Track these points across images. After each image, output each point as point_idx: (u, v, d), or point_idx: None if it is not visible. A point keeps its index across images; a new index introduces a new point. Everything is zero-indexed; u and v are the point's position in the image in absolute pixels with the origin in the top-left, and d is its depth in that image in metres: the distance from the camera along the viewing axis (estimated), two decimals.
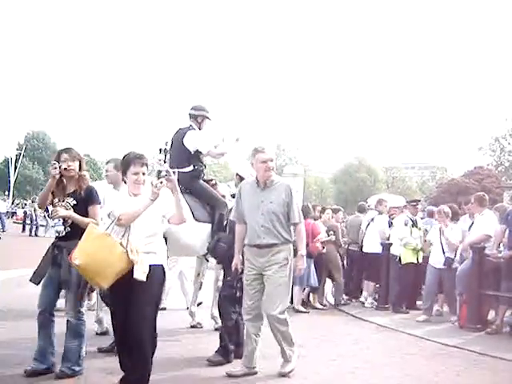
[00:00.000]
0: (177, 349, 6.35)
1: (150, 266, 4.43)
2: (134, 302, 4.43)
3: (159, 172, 4.65)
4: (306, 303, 9.80)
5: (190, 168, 7.19)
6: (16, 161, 65.30)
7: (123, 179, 4.75)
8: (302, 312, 9.27)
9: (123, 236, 4.46)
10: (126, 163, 4.64)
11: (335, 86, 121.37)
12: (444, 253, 8.75)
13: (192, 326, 7.48)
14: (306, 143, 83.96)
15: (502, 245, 8.31)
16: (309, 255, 9.27)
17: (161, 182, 4.43)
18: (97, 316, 6.77)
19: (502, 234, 8.14)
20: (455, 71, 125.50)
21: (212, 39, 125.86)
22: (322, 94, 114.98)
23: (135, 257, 4.36)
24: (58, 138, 74.86)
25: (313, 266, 9.53)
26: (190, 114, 7.41)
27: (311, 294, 10.08)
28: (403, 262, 9.55)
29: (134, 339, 4.45)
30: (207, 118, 7.44)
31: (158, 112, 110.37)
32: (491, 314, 8.39)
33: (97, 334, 6.71)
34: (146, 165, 4.67)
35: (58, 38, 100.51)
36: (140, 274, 4.35)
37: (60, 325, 5.10)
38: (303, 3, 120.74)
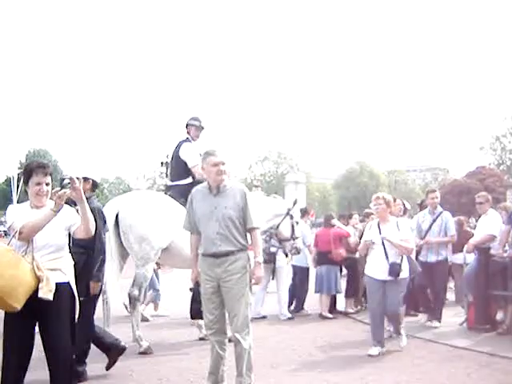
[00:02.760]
0: (185, 362, 6.33)
1: (56, 284, 3.98)
2: (44, 323, 4.06)
3: (62, 180, 4.29)
4: (331, 310, 9.78)
5: (190, 180, 7.22)
6: (18, 179, 65.42)
7: (25, 190, 4.31)
8: (328, 318, 9.34)
9: (26, 252, 4.00)
10: (28, 173, 4.17)
11: (334, 91, 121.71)
12: (387, 258, 6.72)
13: (200, 339, 7.46)
14: (307, 150, 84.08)
15: (507, 244, 8.28)
16: (333, 262, 9.47)
17: (64, 192, 3.96)
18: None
19: (507, 234, 8.11)
20: (453, 71, 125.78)
21: (213, 47, 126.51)
22: (320, 100, 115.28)
23: (41, 274, 3.94)
24: (59, 155, 75.14)
25: (338, 272, 9.63)
26: (186, 125, 7.52)
27: (344, 300, 10.06)
28: None
29: (52, 361, 4.08)
30: (201, 127, 7.52)
31: (158, 127, 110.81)
32: (499, 315, 8.34)
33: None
34: (51, 174, 4.22)
35: (58, 57, 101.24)
36: (46, 292, 3.92)
37: None
38: (305, 9, 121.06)
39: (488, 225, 8.41)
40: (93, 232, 4.26)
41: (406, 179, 79.47)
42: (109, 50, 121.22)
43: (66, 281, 4.13)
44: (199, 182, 7.26)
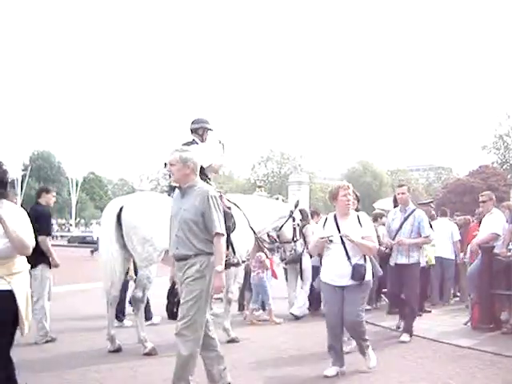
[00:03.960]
0: None
1: None
2: None
3: None
4: None
5: None
6: (22, 181, 65.54)
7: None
8: None
9: None
10: None
11: (337, 91, 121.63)
12: (349, 259, 5.71)
13: None
14: (310, 150, 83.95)
15: (511, 243, 8.27)
16: None
17: None
18: (108, 333, 6.77)
19: (510, 233, 8.11)
20: (456, 70, 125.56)
21: (216, 48, 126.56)
22: (323, 101, 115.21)
23: None
24: (62, 157, 75.15)
25: None
26: (191, 130, 7.50)
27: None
28: (427, 263, 9.59)
29: None
30: (208, 129, 7.51)
31: (161, 128, 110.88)
32: (503, 314, 8.33)
33: (109, 351, 6.72)
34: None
35: (62, 59, 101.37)
36: None
37: None
38: (309, 8, 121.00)
39: (492, 224, 8.40)
40: (29, 250, 4.04)
41: (409, 179, 79.33)
42: (113, 52, 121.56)
43: (7, 289, 3.94)
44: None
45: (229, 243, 7.15)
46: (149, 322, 8.21)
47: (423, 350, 7.04)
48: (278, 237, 8.82)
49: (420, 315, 9.36)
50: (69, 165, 72.49)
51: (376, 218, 10.96)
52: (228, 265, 7.22)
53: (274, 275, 10.00)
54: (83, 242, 37.66)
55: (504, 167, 58.08)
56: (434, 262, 9.90)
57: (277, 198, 9.03)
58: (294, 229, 8.61)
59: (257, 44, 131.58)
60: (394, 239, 7.64)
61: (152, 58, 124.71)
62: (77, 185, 66.38)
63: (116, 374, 5.85)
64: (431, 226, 9.76)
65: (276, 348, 7.09)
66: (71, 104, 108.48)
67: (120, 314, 8.38)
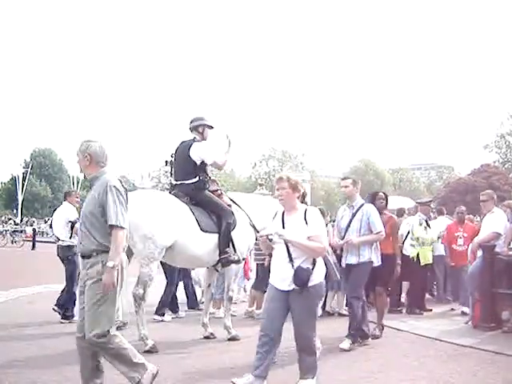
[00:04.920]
0: (190, 361, 6.32)
1: None
2: None
3: None
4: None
5: (196, 179, 7.23)
6: (23, 179, 65.60)
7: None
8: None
9: None
10: None
11: (338, 90, 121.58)
12: (292, 261, 4.99)
13: (205, 337, 7.46)
14: (312, 148, 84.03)
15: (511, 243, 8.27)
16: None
17: None
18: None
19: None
20: (457, 69, 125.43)
21: (217, 46, 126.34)
22: (324, 99, 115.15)
23: None
24: (63, 154, 75.23)
25: None
26: (190, 128, 7.49)
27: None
28: (423, 262, 9.58)
29: None
30: (207, 126, 7.50)
31: (162, 126, 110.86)
32: (504, 313, 8.32)
33: None
34: None
35: (62, 57, 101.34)
36: None
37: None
38: (310, 7, 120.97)
39: (493, 223, 8.39)
40: None
41: (410, 177, 79.40)
42: (113, 50, 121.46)
43: None
44: (204, 182, 7.32)
45: (230, 240, 7.16)
46: (174, 315, 9.03)
47: (424, 348, 7.04)
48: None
49: (421, 314, 9.39)
50: (70, 162, 72.49)
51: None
52: (229, 262, 7.23)
53: (247, 276, 10.08)
54: None
55: (506, 166, 58.11)
56: (431, 260, 9.80)
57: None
58: None
59: (259, 42, 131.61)
60: (343, 238, 7.12)
61: (153, 55, 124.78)
62: (78, 182, 66.46)
63: (116, 371, 5.82)
64: (428, 225, 9.79)
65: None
66: (72, 101, 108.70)
67: (175, 307, 9.16)
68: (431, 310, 9.70)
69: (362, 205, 7.23)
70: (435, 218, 11.47)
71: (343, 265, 7.07)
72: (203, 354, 6.63)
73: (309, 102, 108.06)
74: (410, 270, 9.57)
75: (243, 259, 7.76)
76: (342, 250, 7.17)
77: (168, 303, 8.98)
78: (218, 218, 7.18)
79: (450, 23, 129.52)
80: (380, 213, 7.56)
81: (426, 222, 9.87)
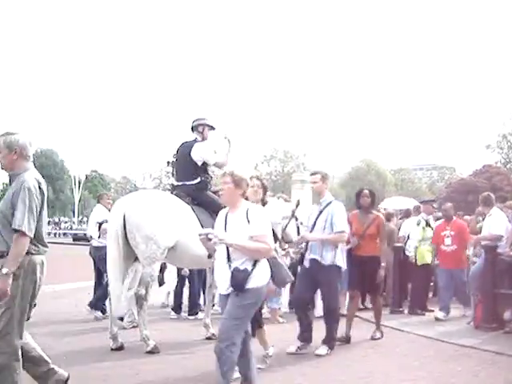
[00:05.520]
0: (192, 362, 6.34)
1: None
2: None
3: None
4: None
5: (198, 180, 7.25)
6: None
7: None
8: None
9: None
10: None
11: (340, 90, 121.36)
12: (230, 262, 4.62)
13: (207, 338, 7.47)
14: (314, 149, 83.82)
15: None
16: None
17: None
18: (111, 331, 6.79)
19: None
20: (459, 69, 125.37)
21: (218, 46, 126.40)
22: (326, 100, 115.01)
23: None
24: (65, 155, 75.24)
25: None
26: (192, 128, 7.52)
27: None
28: (420, 262, 9.58)
29: None
30: (208, 125, 7.53)
31: (164, 126, 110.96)
32: (506, 314, 8.32)
33: (112, 349, 6.73)
34: None
35: (64, 57, 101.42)
36: None
37: None
38: (310, 6, 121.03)
39: (491, 225, 8.37)
40: None
41: (412, 178, 79.28)
42: (115, 51, 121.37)
43: None
44: (206, 182, 7.34)
45: None
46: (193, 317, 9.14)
47: (425, 349, 7.04)
48: (283, 237, 8.81)
49: (423, 314, 9.41)
50: (71, 163, 72.64)
51: (388, 219, 10.81)
52: None
53: None
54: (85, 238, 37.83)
55: (508, 167, 57.98)
56: (429, 261, 9.74)
57: (278, 198, 8.95)
58: (298, 228, 8.60)
59: (260, 42, 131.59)
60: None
61: (155, 55, 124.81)
62: (79, 183, 66.54)
63: (118, 371, 5.86)
64: (429, 226, 9.77)
65: (276, 347, 7.08)
66: (74, 102, 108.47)
67: (178, 308, 9.37)
68: (433, 310, 9.70)
69: (330, 203, 6.78)
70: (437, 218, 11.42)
71: (305, 264, 6.81)
72: (205, 355, 6.63)
73: (311, 103, 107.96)
74: (411, 270, 9.61)
75: None
76: (305, 249, 6.86)
77: (197, 302, 9.34)
78: None
79: (451, 23, 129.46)
80: (365, 211, 7.40)
81: (427, 221, 9.86)
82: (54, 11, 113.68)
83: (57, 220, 63.55)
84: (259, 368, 5.29)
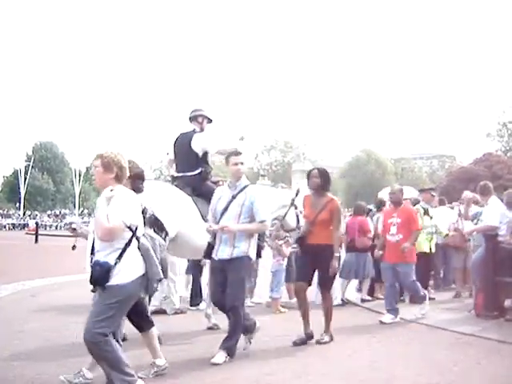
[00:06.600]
0: (194, 352, 6.34)
1: None
2: None
3: None
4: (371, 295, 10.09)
5: (198, 170, 7.23)
6: (25, 172, 65.64)
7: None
8: (368, 301, 9.80)
9: None
10: None
11: (339, 80, 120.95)
12: (93, 254, 4.53)
13: (209, 328, 7.47)
14: (314, 139, 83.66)
15: None
16: (358, 249, 9.77)
17: None
18: None
19: None
20: (458, 58, 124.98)
21: (218, 38, 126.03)
22: (326, 89, 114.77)
23: None
24: (65, 147, 75.22)
25: (367, 259, 9.74)
26: (190, 118, 7.50)
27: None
28: (417, 251, 9.55)
29: None
30: (206, 116, 7.52)
31: (164, 115, 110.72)
32: (507, 302, 8.33)
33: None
34: None
35: (64, 51, 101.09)
36: None
37: None
38: (308, 2, 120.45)
39: (488, 216, 8.34)
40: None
41: (412, 167, 79.21)
42: (115, 44, 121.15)
43: None
44: (207, 173, 7.33)
45: None
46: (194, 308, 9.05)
47: (427, 337, 7.06)
48: (282, 226, 8.82)
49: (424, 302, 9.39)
50: (72, 155, 72.72)
51: (379, 207, 10.73)
52: None
53: None
54: None
55: (508, 155, 57.95)
56: (426, 250, 9.68)
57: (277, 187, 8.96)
58: (297, 216, 8.60)
59: (260, 34, 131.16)
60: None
61: (154, 48, 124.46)
62: (80, 175, 66.51)
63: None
64: (427, 214, 9.76)
65: (279, 336, 7.08)
66: (74, 94, 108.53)
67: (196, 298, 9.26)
68: (434, 298, 9.70)
69: (246, 186, 6.02)
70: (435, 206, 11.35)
71: (214, 256, 5.95)
72: (207, 345, 6.63)
73: (311, 93, 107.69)
74: None
75: None
76: (215, 237, 5.99)
77: (200, 292, 9.27)
78: None
79: (450, 14, 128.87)
80: (318, 194, 6.72)
81: (426, 210, 9.83)
82: (57, 6, 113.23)
83: (57, 212, 63.49)
84: (140, 378, 4.83)
